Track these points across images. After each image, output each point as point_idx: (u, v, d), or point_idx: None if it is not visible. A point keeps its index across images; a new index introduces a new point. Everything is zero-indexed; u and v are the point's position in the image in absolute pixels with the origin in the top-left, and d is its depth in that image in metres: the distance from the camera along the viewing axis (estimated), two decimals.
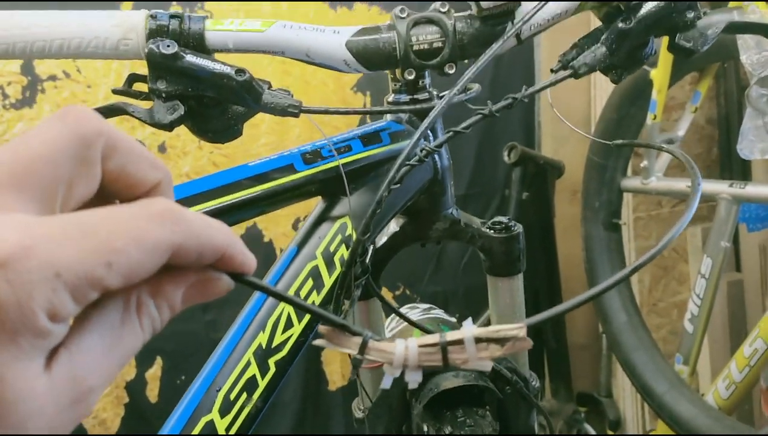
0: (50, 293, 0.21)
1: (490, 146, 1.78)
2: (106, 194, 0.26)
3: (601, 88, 1.76)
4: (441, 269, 1.82)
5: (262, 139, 1.63)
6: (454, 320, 0.92)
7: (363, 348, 0.30)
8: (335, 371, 1.78)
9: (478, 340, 0.30)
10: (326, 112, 0.56)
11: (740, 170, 1.69)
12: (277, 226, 1.68)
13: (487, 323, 1.36)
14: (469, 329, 0.30)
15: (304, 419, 1.72)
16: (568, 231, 1.84)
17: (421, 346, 0.29)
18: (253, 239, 1.67)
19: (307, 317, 0.58)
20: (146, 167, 0.27)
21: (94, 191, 0.25)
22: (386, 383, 0.31)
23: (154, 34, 0.52)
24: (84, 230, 0.22)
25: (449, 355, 0.30)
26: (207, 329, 1.64)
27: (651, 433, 1.63)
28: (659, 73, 1.29)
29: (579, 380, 1.92)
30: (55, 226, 0.22)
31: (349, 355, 0.31)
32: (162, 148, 1.59)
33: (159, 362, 1.64)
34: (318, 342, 0.31)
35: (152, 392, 1.61)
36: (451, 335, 0.30)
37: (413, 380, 0.30)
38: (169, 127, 0.53)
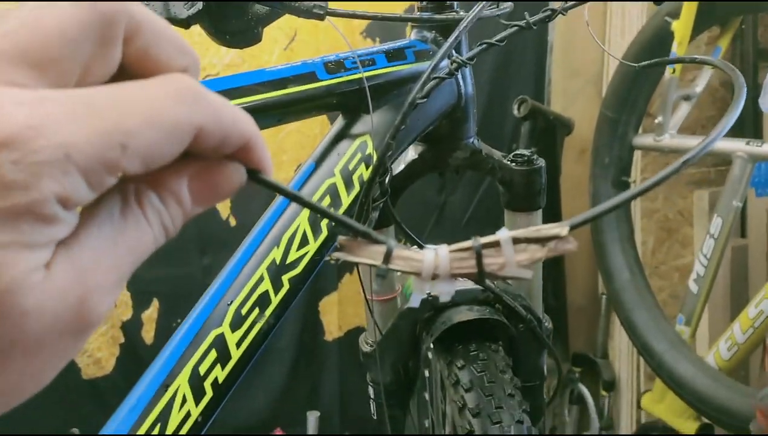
0: (61, 175, 0.19)
1: (499, 99, 1.75)
2: (126, 77, 0.23)
3: (616, 43, 1.71)
4: (443, 222, 1.80)
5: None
6: None
7: (388, 257, 0.26)
8: (332, 322, 1.77)
9: (516, 241, 0.26)
10: (353, 16, 0.52)
11: (752, 134, 1.66)
12: (280, 171, 1.65)
13: None
14: (506, 232, 0.27)
15: (298, 367, 1.72)
16: (573, 190, 1.82)
17: (452, 251, 0.26)
18: (254, 185, 1.63)
19: (323, 234, 0.55)
20: (172, 51, 0.24)
21: (113, 72, 0.23)
22: (415, 301, 0.29)
23: None
24: (95, 108, 0.20)
25: (484, 260, 0.26)
26: (204, 273, 1.62)
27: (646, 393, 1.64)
28: (681, 25, 1.25)
29: (575, 341, 1.92)
30: (64, 103, 0.20)
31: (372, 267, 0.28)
32: None
33: (155, 303, 1.62)
34: (337, 254, 0.28)
35: (148, 334, 1.60)
36: (486, 239, 0.26)
37: (445, 291, 0.27)
38: (186, 23, 0.50)
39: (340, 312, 1.77)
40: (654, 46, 1.35)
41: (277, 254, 0.54)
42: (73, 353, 0.22)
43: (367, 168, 0.58)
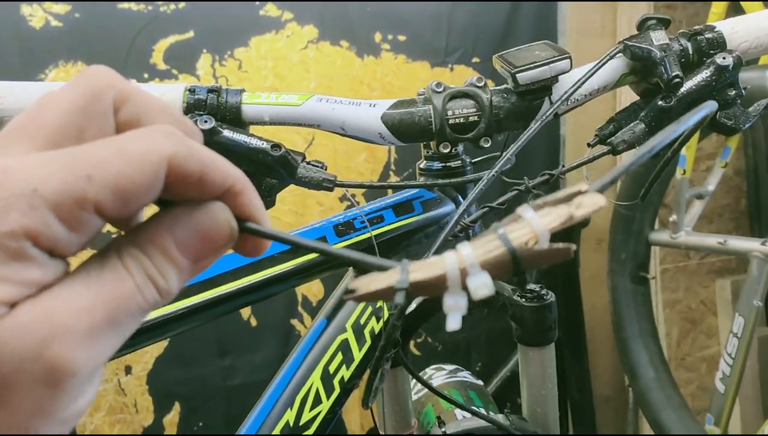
0: (28, 209, 0.20)
1: (513, 199, 1.77)
2: None
3: None
4: (463, 316, 1.79)
5: (286, 207, 1.64)
6: (480, 382, 0.90)
7: (406, 271, 0.23)
8: (354, 420, 1.75)
9: (538, 207, 0.23)
10: (360, 186, 0.55)
11: None
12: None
13: (507, 383, 1.31)
14: (531, 210, 0.24)
15: None
16: (592, 280, 1.81)
17: (475, 242, 0.22)
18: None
19: (336, 392, 0.57)
20: (167, 120, 0.25)
21: None
22: (455, 322, 0.24)
23: (192, 108, 0.52)
24: (67, 152, 0.21)
25: (510, 236, 0.23)
26: (224, 375, 1.62)
27: None
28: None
29: (605, 433, 1.87)
30: (42, 155, 0.21)
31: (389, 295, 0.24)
32: None
33: (177, 407, 1.62)
34: (349, 297, 0.25)
35: None
36: (505, 219, 0.23)
37: (481, 283, 0.22)
38: None
39: (361, 410, 1.75)
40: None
41: (290, 416, 0.55)
42: (53, 410, 0.20)
43: (377, 321, 0.59)
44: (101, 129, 0.23)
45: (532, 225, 0.22)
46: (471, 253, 0.22)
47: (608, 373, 1.89)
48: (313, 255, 0.56)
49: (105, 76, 0.24)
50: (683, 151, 1.30)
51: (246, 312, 1.65)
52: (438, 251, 0.53)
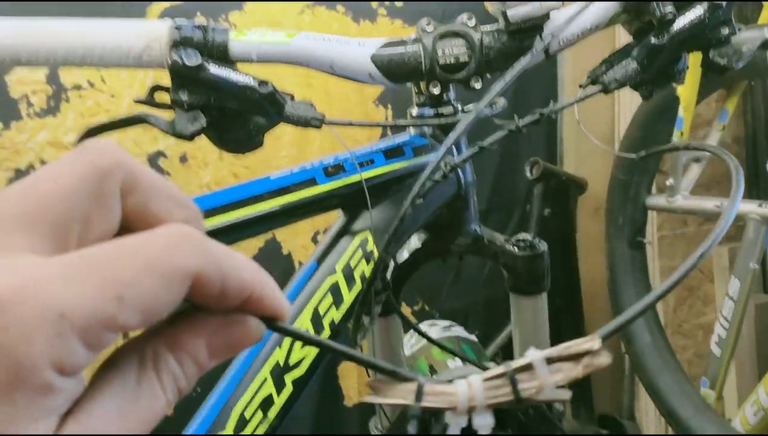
0: (54, 338, 0.18)
1: (511, 161, 1.76)
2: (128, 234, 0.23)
3: (625, 105, 1.73)
4: (461, 283, 1.79)
5: (284, 152, 1.63)
6: (473, 338, 0.90)
7: (420, 395, 0.26)
8: (351, 387, 1.76)
9: (550, 361, 0.26)
10: (349, 124, 0.55)
11: (766, 195, 1.65)
12: (296, 238, 1.67)
13: (508, 341, 1.34)
14: (535, 352, 0.27)
15: (318, 433, 1.70)
16: (589, 248, 1.81)
17: (486, 380, 0.26)
18: (272, 252, 1.66)
19: (326, 334, 0.57)
20: (172, 205, 0.23)
21: (115, 229, 0.23)
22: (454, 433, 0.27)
23: (178, 44, 0.51)
24: (90, 264, 0.19)
25: (519, 385, 0.26)
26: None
27: None
28: (686, 90, 1.27)
29: (600, 402, 1.88)
30: (59, 264, 0.19)
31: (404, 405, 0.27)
32: (183, 159, 1.59)
33: None
34: (368, 399, 0.28)
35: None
36: (518, 363, 0.26)
37: (485, 424, 0.27)
38: (190, 137, 0.52)
39: (359, 376, 1.76)
40: (660, 111, 1.36)
41: (280, 355, 0.55)
42: None
43: (368, 264, 0.59)
44: (108, 216, 0.22)
45: (542, 381, 0.25)
46: (481, 393, 0.25)
47: (605, 342, 1.90)
48: (300, 196, 0.56)
49: (113, 155, 0.22)
50: (681, 112, 1.29)
51: None
52: (420, 190, 0.53)
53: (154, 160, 1.59)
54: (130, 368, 0.21)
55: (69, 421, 0.19)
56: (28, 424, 0.18)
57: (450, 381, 0.26)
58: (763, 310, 1.64)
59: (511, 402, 0.25)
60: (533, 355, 0.26)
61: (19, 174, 1.51)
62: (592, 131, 1.84)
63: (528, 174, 1.65)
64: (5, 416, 0.18)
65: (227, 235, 0.52)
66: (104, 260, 0.20)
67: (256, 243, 1.69)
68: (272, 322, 0.24)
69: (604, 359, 0.26)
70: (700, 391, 1.41)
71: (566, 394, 0.26)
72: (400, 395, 0.26)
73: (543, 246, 0.71)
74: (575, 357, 0.26)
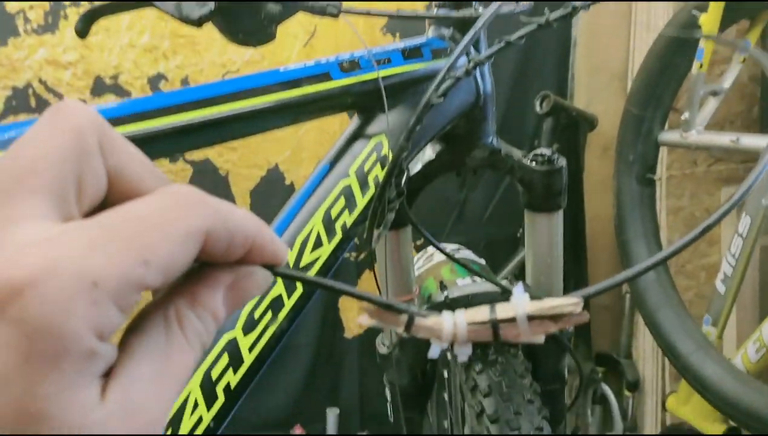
0: (92, 306, 0.19)
1: (520, 95, 1.72)
2: (113, 202, 0.24)
3: (641, 39, 1.68)
4: (463, 220, 1.78)
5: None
6: (482, 261, 0.88)
7: (409, 326, 0.28)
8: (352, 318, 1.77)
9: (531, 318, 0.28)
10: (368, 14, 0.51)
11: None
12: (300, 167, 1.65)
13: (521, 268, 1.32)
14: (522, 305, 0.28)
15: (318, 364, 1.72)
16: (596, 188, 1.79)
17: (470, 324, 0.28)
18: (274, 182, 1.64)
19: (338, 237, 0.55)
20: (145, 172, 0.24)
21: (104, 189, 0.23)
22: (434, 353, 0.30)
23: None
24: (112, 231, 0.20)
25: (500, 331, 0.28)
26: None
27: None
28: (709, 18, 1.22)
29: (598, 340, 1.89)
30: (78, 232, 0.20)
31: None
32: (185, 82, 1.55)
33: None
34: (363, 320, 0.30)
35: None
36: (503, 311, 0.28)
37: (463, 353, 0.29)
38: (198, 22, 0.49)
39: (359, 309, 1.77)
40: (679, 41, 1.32)
41: (290, 257, 0.53)
42: None
43: (382, 168, 0.57)
44: (96, 175, 0.22)
45: (521, 331, 0.27)
46: (464, 332, 0.27)
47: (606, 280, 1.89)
48: (312, 90, 0.53)
49: (88, 114, 0.23)
50: (701, 44, 1.24)
51: (245, 208, 1.63)
52: (438, 88, 0.50)
53: (155, 83, 1.55)
54: (158, 330, 0.22)
55: (112, 386, 0.20)
56: (77, 390, 0.19)
57: (438, 315, 0.28)
58: None
59: (490, 341, 0.28)
60: (519, 308, 0.27)
61: (17, 92, 1.47)
62: (606, 65, 1.80)
63: (537, 108, 1.61)
64: (56, 385, 0.19)
65: (235, 124, 0.49)
66: (124, 226, 0.20)
67: (258, 172, 1.66)
68: (274, 268, 0.25)
69: (582, 318, 0.28)
70: (701, 328, 1.42)
71: (540, 339, 0.28)
72: (392, 322, 0.28)
73: (562, 161, 0.68)
74: (557, 317, 0.27)
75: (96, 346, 0.19)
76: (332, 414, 1.70)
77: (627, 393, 1.82)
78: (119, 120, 0.43)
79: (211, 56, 1.54)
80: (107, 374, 0.20)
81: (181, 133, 0.46)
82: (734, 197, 0.37)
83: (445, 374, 0.81)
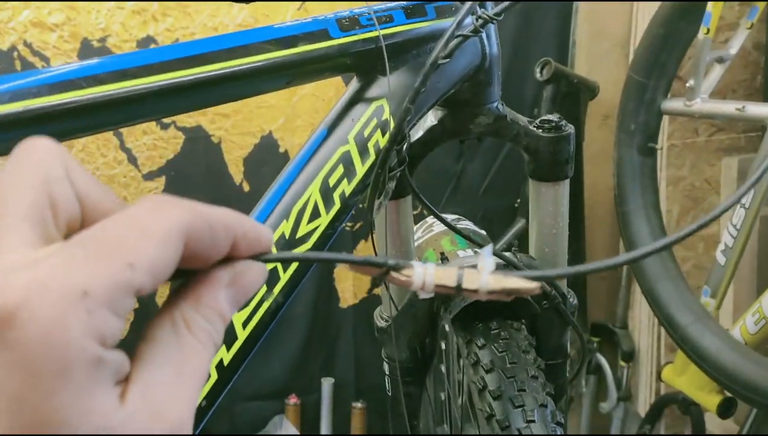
0: (86, 315, 0.19)
1: (520, 62, 1.68)
2: (87, 226, 0.24)
3: (645, 4, 1.63)
4: (460, 191, 1.75)
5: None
6: (483, 232, 0.86)
7: (384, 275, 0.30)
8: (347, 289, 1.75)
9: (492, 293, 0.29)
10: None
11: None
12: (294, 136, 1.61)
13: (519, 238, 1.28)
14: (485, 282, 0.29)
15: (313, 334, 1.70)
16: (596, 157, 1.76)
17: (437, 285, 0.29)
18: (268, 149, 1.60)
19: (336, 206, 0.52)
20: (107, 199, 0.25)
21: (78, 211, 0.24)
22: (423, 296, 0.31)
23: None
24: (91, 243, 0.21)
25: (462, 292, 0.29)
26: None
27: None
28: None
29: (594, 310, 1.88)
30: (61, 251, 0.21)
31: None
32: None
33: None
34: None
35: (161, 299, 1.59)
36: (468, 282, 0.29)
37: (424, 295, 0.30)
38: None
39: (354, 279, 1.75)
40: (685, 6, 1.28)
41: (286, 228, 0.50)
42: None
43: (383, 135, 0.54)
44: (66, 196, 0.23)
45: (480, 291, 0.29)
46: (431, 286, 0.29)
47: (605, 251, 1.88)
48: (309, 48, 0.49)
49: (47, 147, 0.24)
50: (709, 7, 1.20)
51: (239, 176, 1.60)
52: (445, 47, 0.46)
53: (144, 45, 1.50)
54: (168, 336, 0.23)
55: (131, 391, 0.21)
56: (93, 396, 0.20)
57: (410, 268, 0.29)
58: (767, 222, 1.62)
59: (452, 291, 0.29)
60: (482, 285, 0.29)
61: (1, 55, 1.42)
62: (607, 31, 1.75)
63: (538, 75, 1.57)
64: (70, 394, 0.19)
65: (225, 86, 0.46)
66: (104, 237, 0.21)
67: (251, 140, 1.62)
68: (263, 257, 0.26)
69: (537, 289, 0.29)
70: (700, 299, 1.40)
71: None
72: (370, 272, 0.30)
73: (569, 128, 0.65)
74: (515, 292, 0.29)
75: (100, 352, 0.20)
76: (327, 384, 1.70)
77: (622, 363, 1.82)
78: (98, 78, 0.40)
79: (203, 19, 1.49)
80: (125, 381, 0.21)
81: (166, 94, 0.42)
82: (747, 183, 0.35)
83: (443, 346, 0.80)
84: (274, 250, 0.28)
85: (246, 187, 1.62)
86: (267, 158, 1.61)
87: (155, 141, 1.52)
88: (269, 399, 1.67)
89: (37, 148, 0.24)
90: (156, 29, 1.49)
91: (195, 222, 0.23)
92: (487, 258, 0.29)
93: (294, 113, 1.59)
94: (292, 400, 1.67)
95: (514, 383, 0.57)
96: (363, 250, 1.71)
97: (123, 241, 0.21)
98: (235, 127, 1.57)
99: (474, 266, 0.29)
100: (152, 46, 1.49)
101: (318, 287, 1.70)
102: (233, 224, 0.25)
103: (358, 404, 1.69)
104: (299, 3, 1.55)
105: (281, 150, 1.62)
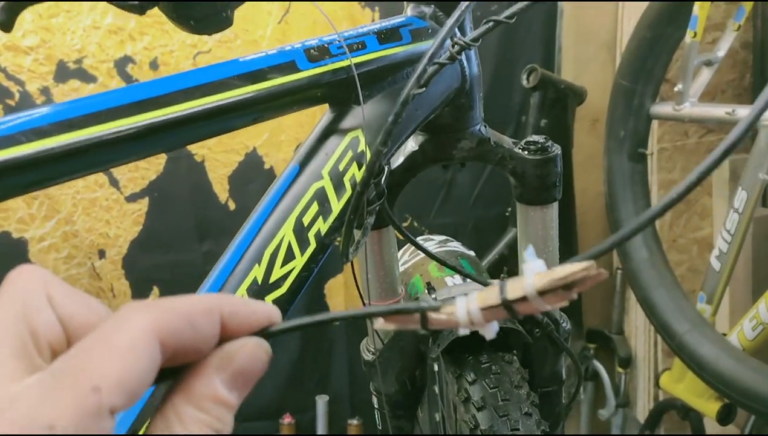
0: None
1: (506, 68, 1.66)
2: (73, 343, 0.24)
3: (631, 6, 1.61)
4: (450, 200, 1.73)
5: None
6: (472, 253, 0.83)
7: (425, 323, 0.28)
8: (339, 304, 1.72)
9: (543, 293, 0.26)
10: None
11: None
12: (279, 151, 1.58)
13: (499, 258, 1.26)
14: (530, 283, 0.26)
15: (306, 352, 1.68)
16: (585, 163, 1.74)
17: (484, 309, 0.27)
18: (253, 166, 1.57)
19: (311, 247, 0.49)
20: (92, 313, 0.25)
21: (62, 335, 0.24)
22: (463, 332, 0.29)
23: None
24: (59, 373, 0.21)
25: (516, 308, 0.26)
26: (204, 259, 1.57)
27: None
28: None
29: (590, 317, 1.86)
30: (32, 386, 0.21)
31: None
32: (154, 65, 1.47)
33: (156, 292, 1.58)
34: (378, 325, 0.29)
35: None
36: (513, 291, 0.26)
37: (489, 331, 0.28)
38: (140, 9, 0.42)
39: (346, 295, 1.72)
40: (672, 10, 1.26)
41: (258, 272, 0.47)
42: None
43: (359, 168, 0.51)
44: (48, 323, 0.23)
45: (537, 306, 0.26)
46: (479, 317, 0.26)
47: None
48: (278, 82, 0.46)
49: (31, 276, 0.24)
50: (695, 10, 1.18)
51: (224, 195, 1.57)
52: (420, 78, 0.44)
53: (121, 66, 1.47)
54: (161, 433, 0.23)
55: None
56: None
57: (450, 305, 0.27)
58: (762, 224, 1.60)
59: (502, 313, 0.27)
60: (527, 286, 0.26)
61: None
62: (593, 34, 1.73)
63: (524, 82, 1.55)
64: None
65: (188, 127, 0.43)
66: (71, 364, 0.21)
67: (235, 157, 1.59)
68: (265, 332, 0.25)
69: (601, 277, 0.26)
70: (696, 306, 1.38)
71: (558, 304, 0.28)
72: (407, 322, 0.28)
73: (556, 149, 0.62)
74: (571, 285, 0.26)
75: None
76: (322, 402, 1.67)
77: (619, 370, 1.79)
78: (42, 130, 0.37)
79: (181, 36, 1.46)
80: None
81: (116, 143, 0.39)
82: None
83: (435, 368, 0.77)
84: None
85: (232, 206, 1.59)
86: (252, 175, 1.58)
87: (136, 162, 1.49)
88: (263, 420, 1.64)
89: (18, 280, 0.24)
90: (134, 48, 1.46)
91: (166, 320, 0.22)
92: (529, 258, 0.26)
93: (278, 128, 1.57)
94: (287, 419, 1.64)
95: (507, 423, 0.55)
96: (349, 299, 1.69)
97: (87, 364, 0.21)
98: (218, 144, 1.54)
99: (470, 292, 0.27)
100: (130, 65, 1.46)
101: (309, 302, 1.67)
102: (215, 307, 0.24)
103: (354, 421, 1.66)
104: (281, 16, 1.52)
105: (266, 166, 1.59)
